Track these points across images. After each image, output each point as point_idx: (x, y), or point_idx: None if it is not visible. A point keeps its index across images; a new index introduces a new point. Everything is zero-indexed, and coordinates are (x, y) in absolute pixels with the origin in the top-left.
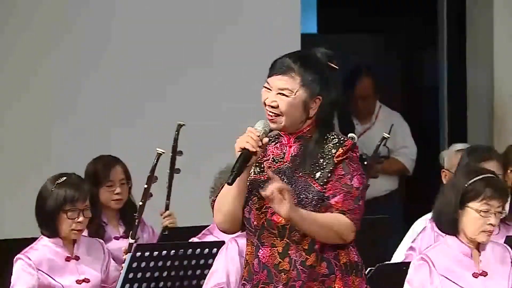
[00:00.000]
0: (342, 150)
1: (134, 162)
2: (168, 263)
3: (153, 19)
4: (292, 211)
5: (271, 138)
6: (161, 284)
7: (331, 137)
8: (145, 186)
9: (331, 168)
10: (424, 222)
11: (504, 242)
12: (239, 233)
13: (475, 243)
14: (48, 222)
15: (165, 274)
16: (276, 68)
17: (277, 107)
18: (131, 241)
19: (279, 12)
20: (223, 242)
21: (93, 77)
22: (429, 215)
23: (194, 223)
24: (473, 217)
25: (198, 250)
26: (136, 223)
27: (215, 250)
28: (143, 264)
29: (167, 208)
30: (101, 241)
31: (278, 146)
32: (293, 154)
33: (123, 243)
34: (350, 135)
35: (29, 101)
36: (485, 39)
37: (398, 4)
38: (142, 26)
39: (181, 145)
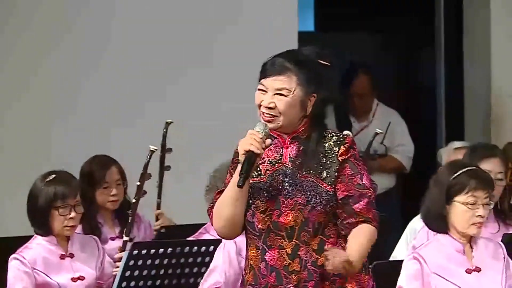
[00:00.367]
0: (344, 148)
1: (133, 162)
2: (165, 261)
3: (152, 19)
4: (357, 264)
5: (273, 140)
6: (158, 282)
7: (330, 135)
8: (138, 183)
9: (337, 167)
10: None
11: (501, 240)
12: None
13: (467, 238)
14: (40, 220)
15: (162, 272)
16: (269, 69)
17: (275, 108)
18: (126, 238)
19: (276, 11)
20: (220, 241)
21: (93, 77)
22: None
23: (190, 221)
24: (461, 210)
25: (195, 248)
26: (129, 221)
27: (212, 248)
28: (140, 262)
29: (158, 207)
30: (95, 237)
31: (272, 148)
32: (291, 155)
33: (119, 243)
34: (345, 132)
35: (29, 101)
36: (482, 38)
37: (396, 3)
38: (141, 26)
39: (178, 144)
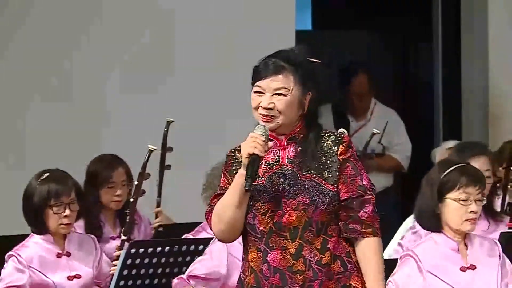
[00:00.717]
0: (343, 147)
1: (132, 161)
2: (163, 260)
3: (150, 17)
4: None
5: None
6: (156, 280)
7: (326, 134)
8: (136, 182)
9: (338, 166)
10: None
11: (498, 239)
12: None
13: (461, 236)
14: (35, 218)
15: (159, 270)
16: (264, 71)
17: (274, 108)
18: (123, 238)
19: (274, 10)
20: None
21: (89, 74)
22: None
23: (187, 219)
24: (454, 207)
25: (192, 246)
26: (127, 220)
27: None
28: (137, 261)
29: (158, 206)
30: (93, 236)
31: (268, 150)
32: (289, 156)
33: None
34: (340, 130)
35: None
36: (480, 37)
37: (393, 2)
38: (139, 24)
39: (175, 142)
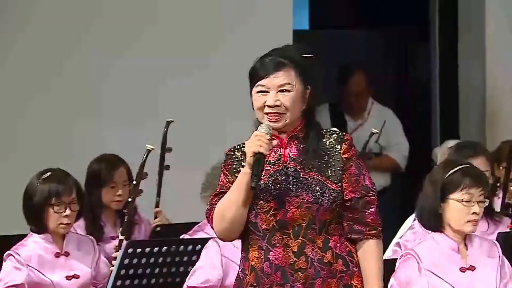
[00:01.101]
0: (346, 146)
1: (130, 161)
2: (160, 260)
3: (148, 19)
4: None
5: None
6: (153, 280)
7: (328, 133)
8: (134, 182)
9: (341, 165)
10: (413, 218)
11: (496, 238)
12: None
13: (462, 237)
14: (35, 217)
15: (157, 270)
16: (263, 69)
17: (280, 105)
18: (121, 237)
19: (271, 10)
20: (209, 240)
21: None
22: None
23: (185, 219)
24: (457, 208)
25: (190, 246)
26: (125, 220)
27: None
28: (135, 261)
29: (157, 206)
30: (91, 237)
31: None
32: (291, 155)
33: None
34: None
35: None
36: (477, 36)
37: (390, 1)
38: (138, 27)
39: (173, 142)
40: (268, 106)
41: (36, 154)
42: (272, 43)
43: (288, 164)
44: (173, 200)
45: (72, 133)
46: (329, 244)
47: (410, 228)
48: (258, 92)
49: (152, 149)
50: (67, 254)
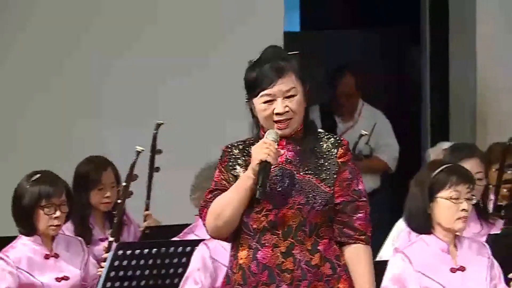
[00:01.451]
0: (342, 150)
1: (120, 163)
2: (150, 262)
3: (144, 17)
4: None
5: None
6: (143, 282)
7: (326, 136)
8: (124, 184)
9: (336, 169)
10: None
11: (486, 240)
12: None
13: (452, 236)
14: (25, 219)
15: (146, 272)
16: (268, 78)
17: (289, 111)
18: (111, 239)
19: (263, 11)
20: (200, 243)
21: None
22: None
23: (175, 221)
24: (446, 206)
25: (180, 248)
26: (115, 222)
27: (196, 248)
28: (125, 263)
29: (147, 208)
30: (80, 238)
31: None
32: (288, 156)
33: None
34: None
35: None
36: (469, 38)
37: (381, 3)
38: (131, 28)
39: (162, 144)
40: (278, 114)
41: (36, 154)
42: (263, 45)
43: (285, 165)
44: (163, 202)
45: (72, 133)
46: (318, 247)
47: (404, 230)
48: (265, 102)
49: (142, 150)
50: (56, 255)
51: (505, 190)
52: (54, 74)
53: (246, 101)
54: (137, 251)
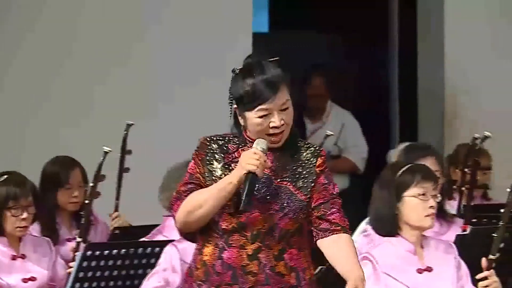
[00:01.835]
0: (321, 160)
1: (90, 163)
2: (119, 262)
3: (98, 18)
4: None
5: (241, 146)
6: (111, 283)
7: (305, 145)
8: (91, 184)
9: (313, 178)
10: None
11: (454, 240)
12: (179, 237)
13: (419, 236)
14: None
15: (115, 273)
16: (264, 94)
17: (284, 123)
18: (78, 239)
19: (231, 12)
20: (168, 244)
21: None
22: None
23: (144, 222)
24: (414, 204)
25: (149, 249)
26: (82, 222)
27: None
28: (93, 263)
29: (116, 209)
30: (47, 239)
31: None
32: (268, 162)
33: None
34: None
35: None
36: (436, 39)
37: (350, 2)
38: (92, 25)
39: (131, 144)
40: (275, 127)
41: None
42: (231, 46)
43: (263, 170)
44: (131, 203)
45: (35, 134)
46: (284, 255)
47: (362, 232)
48: (261, 116)
49: (110, 151)
50: (23, 256)
51: (463, 189)
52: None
53: (230, 109)
54: (106, 252)
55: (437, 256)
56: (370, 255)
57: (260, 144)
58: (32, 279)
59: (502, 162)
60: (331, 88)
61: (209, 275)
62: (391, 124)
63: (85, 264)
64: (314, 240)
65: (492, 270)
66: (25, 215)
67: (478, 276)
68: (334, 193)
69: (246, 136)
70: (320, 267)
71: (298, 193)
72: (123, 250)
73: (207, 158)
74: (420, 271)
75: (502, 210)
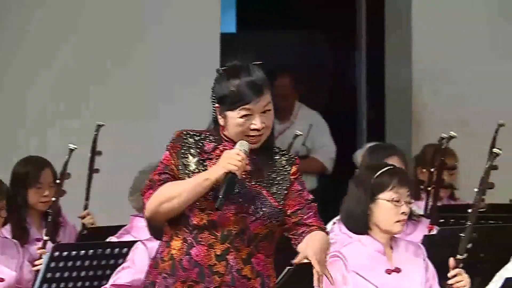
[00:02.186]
0: (296, 169)
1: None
2: (87, 263)
3: (71, 18)
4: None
5: (218, 144)
6: (79, 284)
7: (281, 152)
8: (57, 181)
9: (288, 185)
10: (332, 223)
11: (422, 241)
12: (148, 236)
13: (388, 238)
14: None
15: (83, 274)
16: (248, 95)
17: (265, 126)
18: (45, 238)
19: (198, 12)
20: (137, 242)
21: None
22: None
23: (112, 223)
24: (386, 207)
25: (117, 250)
26: (49, 220)
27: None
28: (61, 264)
29: (85, 208)
30: (15, 241)
31: (221, 152)
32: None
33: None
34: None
35: None
36: (404, 39)
37: (318, 2)
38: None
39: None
40: (256, 129)
41: None
42: (199, 46)
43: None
44: (100, 203)
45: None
46: (252, 260)
47: (330, 232)
48: (243, 116)
49: (75, 148)
50: None
51: (430, 188)
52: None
53: (214, 108)
54: (74, 252)
55: (406, 258)
56: (340, 253)
57: (243, 146)
58: (0, 280)
59: (469, 162)
60: (298, 88)
61: (176, 270)
62: (358, 124)
63: (53, 264)
64: (294, 246)
65: (461, 269)
66: None
67: (450, 274)
68: (309, 198)
69: (222, 135)
70: (287, 268)
71: (271, 198)
72: (91, 250)
73: (182, 151)
74: (388, 271)
75: (469, 210)
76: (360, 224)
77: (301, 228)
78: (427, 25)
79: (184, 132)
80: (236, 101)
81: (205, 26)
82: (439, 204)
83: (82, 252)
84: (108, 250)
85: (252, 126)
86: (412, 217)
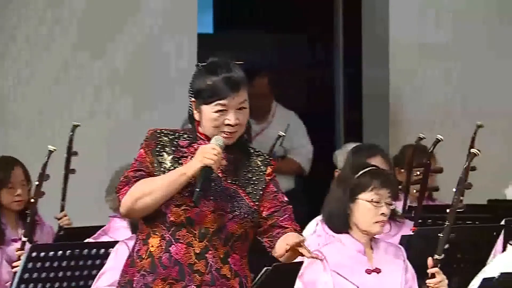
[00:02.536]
0: (271, 169)
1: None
2: (64, 264)
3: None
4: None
5: (193, 142)
6: (57, 284)
7: (256, 152)
8: (36, 183)
9: (263, 186)
10: (315, 223)
11: (400, 242)
12: (130, 235)
13: (368, 238)
14: None
15: (61, 274)
16: (226, 90)
17: (239, 123)
18: (24, 239)
19: (176, 13)
20: (117, 243)
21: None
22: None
23: (89, 223)
24: (366, 208)
25: (94, 250)
26: (28, 221)
27: (110, 250)
28: (38, 265)
29: (62, 209)
30: None
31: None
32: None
33: None
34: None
35: None
36: (381, 40)
37: (295, 3)
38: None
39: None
40: (229, 125)
41: None
42: (176, 47)
43: (216, 170)
44: (77, 204)
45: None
46: (229, 259)
47: (314, 233)
48: (217, 111)
49: (54, 150)
50: None
51: (414, 190)
52: None
53: (190, 102)
54: (51, 253)
55: (386, 259)
56: (320, 252)
57: (218, 141)
58: None
59: (447, 163)
60: (275, 88)
61: (156, 267)
62: (336, 125)
63: (30, 265)
64: (268, 249)
65: (438, 269)
66: None
67: (428, 271)
68: (284, 201)
69: (198, 133)
70: (265, 268)
71: (247, 198)
72: (68, 251)
73: (157, 149)
74: (368, 271)
75: (448, 211)
76: (340, 224)
77: (276, 230)
78: (405, 25)
79: (158, 131)
80: (212, 95)
81: (182, 26)
82: (413, 204)
83: (60, 252)
84: (86, 250)
85: (226, 122)
86: (395, 218)
